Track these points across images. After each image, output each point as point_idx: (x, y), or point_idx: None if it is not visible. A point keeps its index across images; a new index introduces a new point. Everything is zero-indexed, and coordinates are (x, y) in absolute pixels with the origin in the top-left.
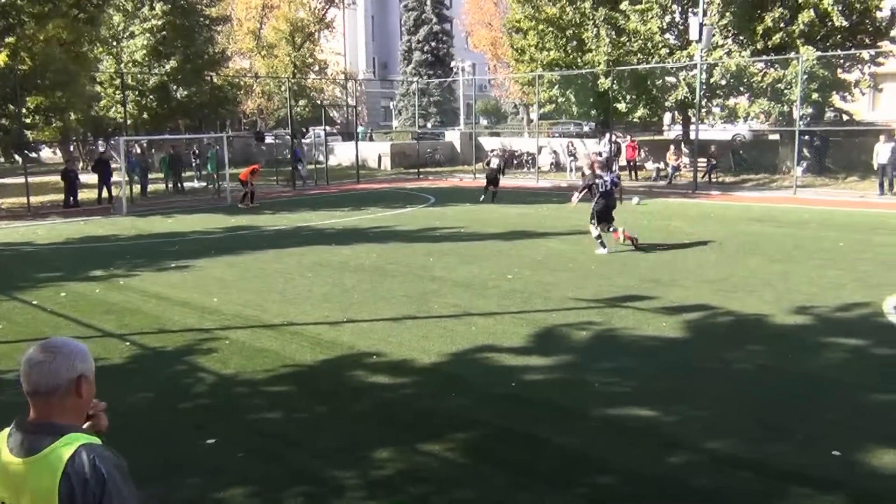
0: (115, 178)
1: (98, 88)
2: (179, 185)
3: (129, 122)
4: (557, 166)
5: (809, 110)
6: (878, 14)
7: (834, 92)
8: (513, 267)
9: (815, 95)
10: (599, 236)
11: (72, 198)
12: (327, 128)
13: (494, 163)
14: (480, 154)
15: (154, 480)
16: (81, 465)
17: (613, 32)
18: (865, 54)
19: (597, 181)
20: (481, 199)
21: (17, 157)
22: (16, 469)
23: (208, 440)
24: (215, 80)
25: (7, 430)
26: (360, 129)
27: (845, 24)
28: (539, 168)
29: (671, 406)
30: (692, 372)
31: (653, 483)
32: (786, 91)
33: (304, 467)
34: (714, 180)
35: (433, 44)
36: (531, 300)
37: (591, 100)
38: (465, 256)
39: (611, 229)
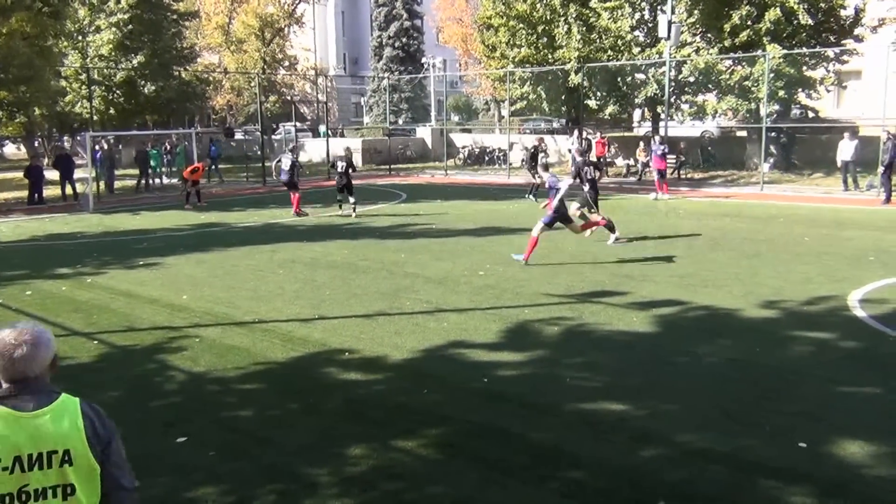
0: (78, 174)
1: (63, 83)
2: (146, 182)
3: (95, 117)
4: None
5: (776, 107)
6: (843, 12)
7: (800, 89)
8: (485, 263)
9: (781, 93)
10: (609, 221)
11: (37, 195)
12: (298, 124)
13: (340, 167)
14: (452, 150)
15: None
16: (88, 408)
17: (584, 29)
18: (830, 52)
19: (586, 168)
20: (340, 207)
21: None
22: (36, 420)
23: (179, 438)
24: (183, 75)
25: None
26: (321, 128)
27: (811, 22)
28: (510, 164)
29: (642, 400)
30: (663, 366)
31: (624, 477)
32: (753, 88)
33: (276, 464)
34: (683, 176)
35: (404, 40)
36: (503, 296)
37: (563, 96)
38: (437, 252)
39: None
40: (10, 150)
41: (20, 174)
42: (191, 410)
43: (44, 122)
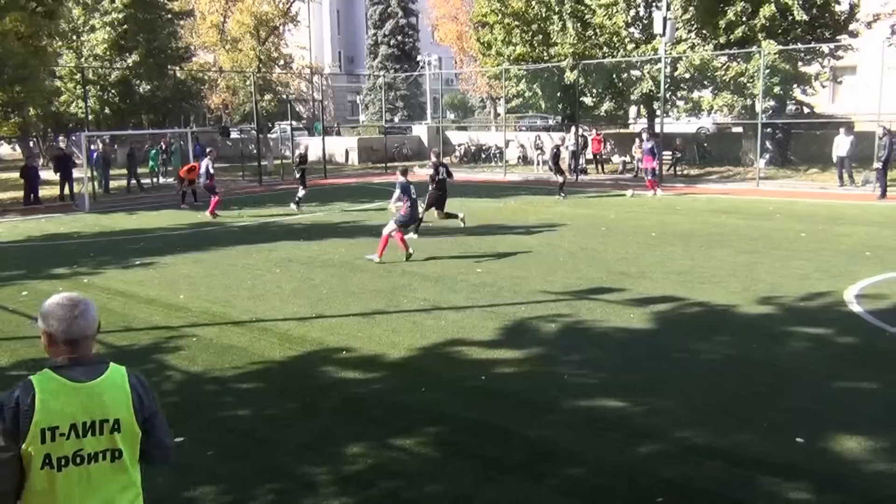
0: (76, 174)
1: (58, 83)
2: (137, 182)
3: (90, 117)
4: (525, 160)
5: (771, 103)
6: (837, 8)
7: (795, 85)
8: (482, 261)
9: (776, 89)
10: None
11: (32, 195)
12: (293, 122)
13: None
14: (448, 148)
15: None
16: (134, 378)
17: (579, 26)
18: (825, 48)
19: (440, 168)
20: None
21: None
22: (89, 390)
23: (176, 438)
24: (179, 74)
25: (47, 373)
26: (316, 125)
27: (805, 18)
28: (507, 162)
29: (640, 397)
30: (660, 363)
31: (622, 473)
32: (748, 84)
33: (274, 464)
34: (679, 173)
35: (399, 38)
36: (500, 294)
37: (558, 94)
38: (433, 251)
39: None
40: (5, 150)
41: (16, 174)
42: (188, 410)
43: (39, 122)
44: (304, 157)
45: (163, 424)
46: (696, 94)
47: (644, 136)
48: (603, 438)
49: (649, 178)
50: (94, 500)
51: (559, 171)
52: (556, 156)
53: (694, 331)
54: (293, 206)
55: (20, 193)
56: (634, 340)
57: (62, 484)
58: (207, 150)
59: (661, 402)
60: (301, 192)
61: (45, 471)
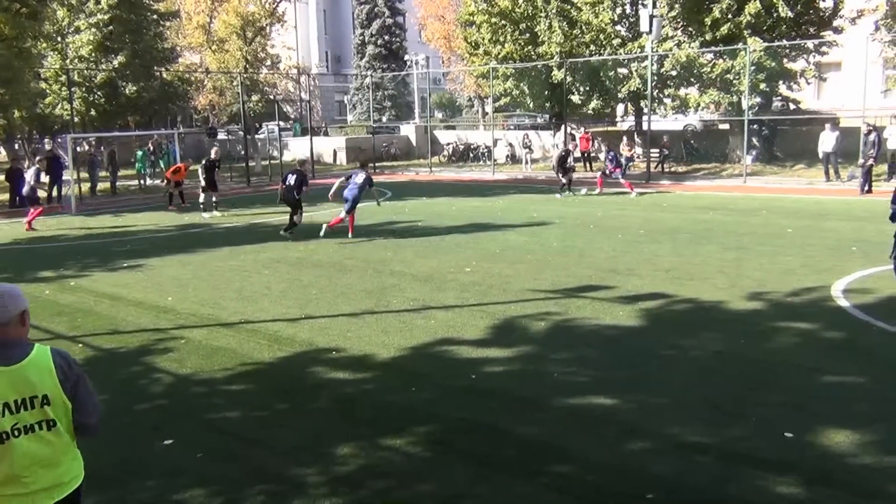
0: (64, 176)
1: (43, 85)
2: (112, 184)
3: (76, 119)
4: (513, 159)
5: (757, 100)
6: (822, 4)
7: (781, 81)
8: (471, 260)
9: (762, 85)
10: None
11: (18, 197)
12: (281, 123)
13: (292, 179)
14: (436, 148)
15: (111, 482)
16: (59, 355)
17: (566, 24)
18: (810, 44)
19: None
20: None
21: None
22: (15, 372)
23: (166, 441)
24: (165, 75)
25: None
26: (295, 125)
27: (790, 14)
28: (495, 161)
29: (630, 394)
30: (649, 359)
31: (614, 470)
32: (734, 81)
33: (264, 465)
34: (666, 170)
35: (386, 37)
36: (489, 292)
37: (546, 92)
38: (423, 250)
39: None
40: None
41: (0, 177)
42: (177, 413)
43: (24, 124)
44: (211, 161)
45: (87, 395)
46: (682, 92)
47: (610, 154)
48: (593, 435)
49: (623, 179)
50: (41, 462)
51: (565, 172)
52: (562, 159)
53: (682, 327)
54: (205, 215)
55: (5, 196)
56: (623, 338)
57: (9, 453)
58: (37, 158)
59: (650, 398)
60: (203, 197)
61: None
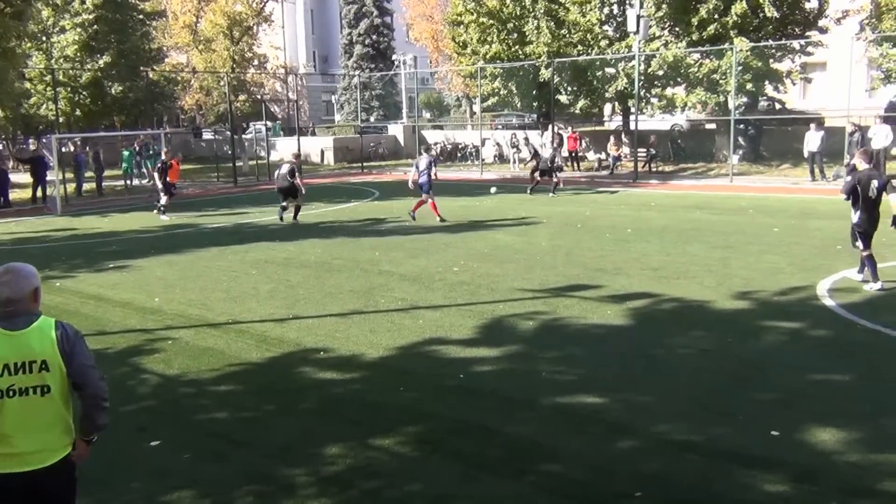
0: (49, 176)
1: (27, 85)
2: (97, 185)
3: (61, 119)
4: (501, 158)
5: (744, 100)
6: (807, 5)
7: (767, 81)
8: (459, 259)
9: (749, 85)
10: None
11: (2, 198)
12: (268, 123)
13: (283, 169)
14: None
15: (96, 485)
16: (62, 326)
17: (553, 24)
18: (796, 44)
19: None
20: (280, 217)
21: None
22: (19, 337)
23: (153, 442)
24: (151, 75)
25: None
26: (275, 125)
27: (776, 14)
28: (483, 160)
29: (618, 392)
30: (637, 358)
31: (602, 469)
32: (721, 81)
33: (253, 466)
34: (654, 169)
35: (374, 37)
36: (478, 292)
37: (534, 91)
38: (411, 250)
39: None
40: None
41: None
42: (164, 414)
43: (8, 124)
44: (164, 164)
45: (84, 358)
46: (669, 91)
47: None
48: (582, 434)
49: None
50: (30, 425)
51: (550, 172)
52: (552, 159)
53: (670, 326)
54: (163, 216)
55: None
56: (611, 337)
57: (4, 410)
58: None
59: (638, 397)
60: (163, 200)
61: None
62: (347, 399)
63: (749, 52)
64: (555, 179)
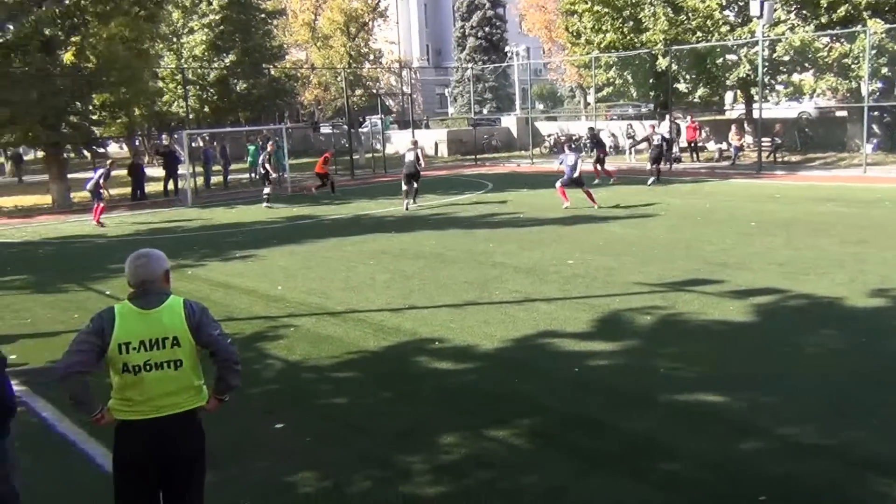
0: (180, 170)
1: (160, 84)
2: (224, 179)
3: (191, 116)
4: (616, 149)
5: (879, 85)
6: None
7: None
8: (573, 252)
9: (884, 70)
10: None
11: (139, 191)
12: (383, 116)
13: (410, 156)
14: (538, 139)
15: (226, 463)
16: (190, 303)
17: (671, 10)
18: None
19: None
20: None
21: (85, 152)
22: (152, 315)
23: (277, 424)
24: (273, 72)
25: (125, 303)
26: (385, 119)
27: None
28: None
29: (741, 391)
30: (762, 357)
31: (723, 470)
32: (853, 66)
33: (370, 451)
34: (779, 160)
35: (487, 29)
36: (593, 285)
37: (650, 81)
38: (525, 242)
39: None
40: (113, 149)
41: (123, 172)
42: (288, 398)
43: (143, 121)
44: (269, 156)
45: (210, 327)
46: (796, 78)
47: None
48: (702, 433)
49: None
50: (163, 396)
51: (656, 160)
52: (658, 148)
53: (797, 324)
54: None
55: (128, 189)
56: (734, 334)
57: (141, 383)
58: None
59: (763, 397)
60: (267, 189)
61: (127, 375)
62: (463, 389)
63: (884, 35)
64: (662, 167)
